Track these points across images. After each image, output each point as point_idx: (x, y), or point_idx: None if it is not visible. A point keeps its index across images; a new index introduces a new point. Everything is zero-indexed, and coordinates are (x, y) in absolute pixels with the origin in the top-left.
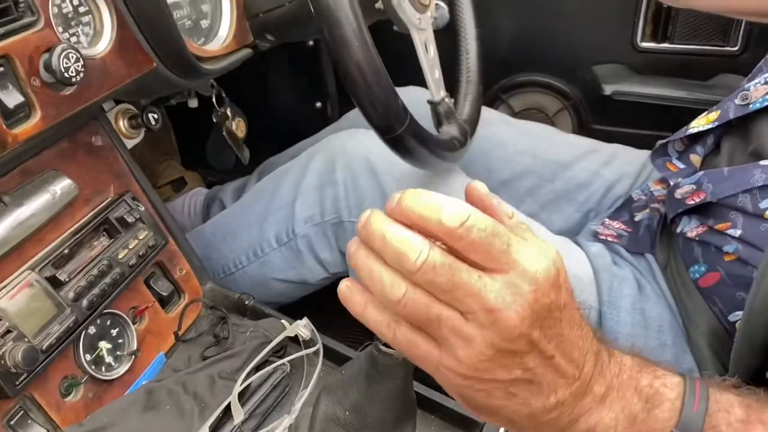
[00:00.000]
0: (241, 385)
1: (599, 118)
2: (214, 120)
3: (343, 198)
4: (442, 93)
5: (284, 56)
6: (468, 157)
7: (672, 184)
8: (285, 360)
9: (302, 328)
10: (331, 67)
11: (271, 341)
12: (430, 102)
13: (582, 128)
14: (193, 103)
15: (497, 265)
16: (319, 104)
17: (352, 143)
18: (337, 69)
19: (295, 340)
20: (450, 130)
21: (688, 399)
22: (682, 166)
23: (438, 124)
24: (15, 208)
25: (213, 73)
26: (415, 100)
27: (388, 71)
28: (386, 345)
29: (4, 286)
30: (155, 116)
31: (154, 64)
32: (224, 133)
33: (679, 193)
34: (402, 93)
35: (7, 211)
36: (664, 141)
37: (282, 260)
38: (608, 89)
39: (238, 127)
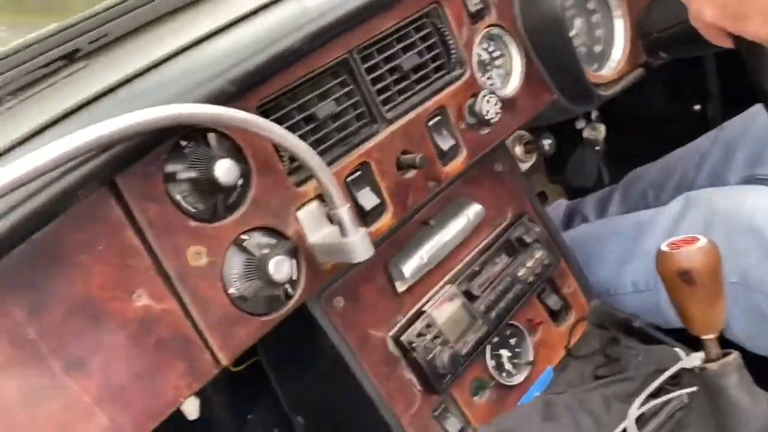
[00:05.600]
0: (638, 410)
1: None
2: (584, 135)
3: None
4: None
5: None
6: None
7: None
8: (684, 392)
9: (699, 360)
10: (714, 63)
11: (666, 369)
12: None
13: None
14: (581, 124)
15: None
16: (697, 107)
17: (734, 202)
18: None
19: (691, 370)
20: None
21: None
22: None
23: None
24: (439, 230)
25: (606, 98)
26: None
27: None
28: None
29: (431, 297)
30: (549, 141)
31: (555, 95)
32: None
33: None
34: None
35: (433, 232)
36: None
37: (637, 306)
38: None
39: (598, 131)
